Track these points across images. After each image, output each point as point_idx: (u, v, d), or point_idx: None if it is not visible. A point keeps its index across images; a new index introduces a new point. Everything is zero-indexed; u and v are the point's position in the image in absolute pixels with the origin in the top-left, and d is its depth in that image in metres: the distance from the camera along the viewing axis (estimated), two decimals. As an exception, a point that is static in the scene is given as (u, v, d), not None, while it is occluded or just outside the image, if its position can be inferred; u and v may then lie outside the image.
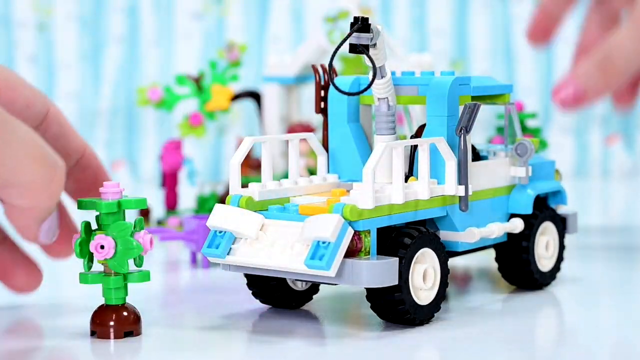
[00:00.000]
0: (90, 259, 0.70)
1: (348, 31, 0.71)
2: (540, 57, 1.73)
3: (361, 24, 0.71)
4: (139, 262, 0.70)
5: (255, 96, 1.24)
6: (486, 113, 1.62)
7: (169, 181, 1.18)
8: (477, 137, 1.39)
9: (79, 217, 0.74)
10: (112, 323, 0.69)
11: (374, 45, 0.72)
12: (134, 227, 0.69)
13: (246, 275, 0.77)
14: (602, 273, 0.95)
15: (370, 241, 0.70)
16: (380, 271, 0.69)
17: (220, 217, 0.72)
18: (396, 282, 0.70)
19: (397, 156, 0.71)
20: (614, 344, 0.70)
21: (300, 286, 0.78)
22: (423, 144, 0.73)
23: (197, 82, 1.16)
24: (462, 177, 0.74)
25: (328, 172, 0.80)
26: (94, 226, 0.70)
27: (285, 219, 0.72)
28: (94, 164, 0.77)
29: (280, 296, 0.77)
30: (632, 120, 1.75)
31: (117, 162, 1.70)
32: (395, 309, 0.71)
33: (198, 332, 0.72)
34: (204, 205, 1.16)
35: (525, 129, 1.12)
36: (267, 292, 0.77)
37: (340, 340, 0.70)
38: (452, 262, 0.82)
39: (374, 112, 0.80)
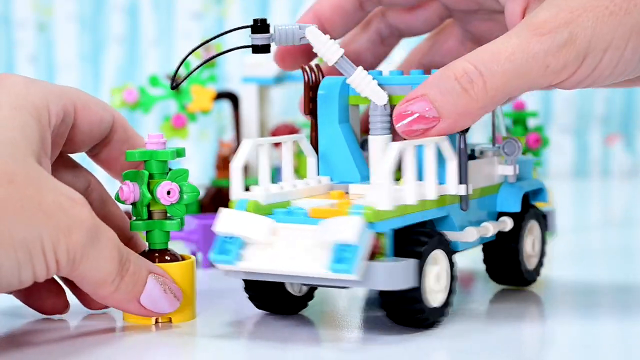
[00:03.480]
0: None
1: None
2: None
3: (259, 25, 0.73)
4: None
5: (232, 97, 1.23)
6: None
7: None
8: (481, 136, 1.39)
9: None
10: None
11: (276, 43, 0.74)
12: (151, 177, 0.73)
13: (245, 280, 0.76)
14: (601, 273, 0.95)
15: (387, 243, 0.69)
16: (398, 273, 0.68)
17: (229, 222, 0.70)
18: (413, 284, 0.69)
19: (409, 157, 0.70)
20: (614, 344, 0.70)
21: (298, 291, 0.77)
22: (429, 143, 0.72)
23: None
24: (462, 177, 0.74)
25: (318, 174, 0.78)
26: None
27: (296, 223, 0.70)
28: None
29: (277, 301, 0.76)
30: (632, 120, 1.75)
31: (117, 162, 1.70)
32: (411, 311, 0.70)
33: (198, 333, 0.72)
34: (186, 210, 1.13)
35: (526, 128, 1.12)
36: (264, 296, 0.76)
37: (339, 345, 0.70)
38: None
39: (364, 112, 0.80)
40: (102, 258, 0.67)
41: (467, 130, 0.73)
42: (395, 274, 0.68)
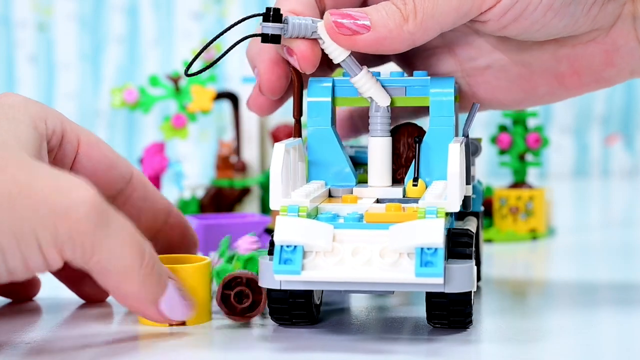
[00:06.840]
0: None
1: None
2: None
3: (272, 14, 0.69)
4: None
5: (232, 97, 1.22)
6: (487, 112, 1.62)
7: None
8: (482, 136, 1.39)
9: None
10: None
11: (290, 35, 0.70)
12: None
13: (271, 295, 0.71)
14: (601, 273, 0.95)
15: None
16: (471, 275, 0.67)
17: (289, 231, 0.66)
18: (475, 286, 0.68)
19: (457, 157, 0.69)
20: (614, 343, 0.70)
21: (317, 299, 0.74)
22: (457, 145, 0.70)
23: (175, 82, 1.13)
24: (468, 177, 0.73)
25: (308, 178, 0.76)
26: None
27: (356, 228, 0.67)
28: (181, 224, 0.79)
29: (304, 313, 0.72)
30: (632, 120, 1.75)
31: (117, 162, 1.70)
32: (465, 313, 0.69)
33: (199, 334, 0.72)
34: (185, 209, 1.12)
35: (526, 128, 1.12)
36: (293, 309, 0.72)
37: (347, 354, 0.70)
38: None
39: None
40: (118, 244, 0.63)
41: (470, 123, 0.73)
42: (469, 276, 0.66)
